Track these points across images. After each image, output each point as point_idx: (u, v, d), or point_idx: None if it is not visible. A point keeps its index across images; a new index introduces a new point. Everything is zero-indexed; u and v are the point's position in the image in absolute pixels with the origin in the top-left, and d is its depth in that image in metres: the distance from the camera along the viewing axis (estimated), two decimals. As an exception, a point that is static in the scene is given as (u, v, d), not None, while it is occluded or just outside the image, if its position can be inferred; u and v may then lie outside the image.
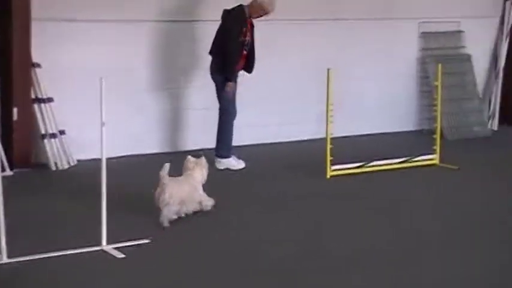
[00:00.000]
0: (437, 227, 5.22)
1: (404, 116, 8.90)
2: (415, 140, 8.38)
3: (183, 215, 5.20)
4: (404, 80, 8.83)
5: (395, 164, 7.01)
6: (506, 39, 9.19)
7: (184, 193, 5.17)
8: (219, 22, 6.75)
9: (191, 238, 4.87)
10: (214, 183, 5.57)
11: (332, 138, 6.47)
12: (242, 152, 7.04)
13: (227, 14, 6.62)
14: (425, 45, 8.93)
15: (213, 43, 6.71)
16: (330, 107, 6.45)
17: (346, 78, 7.73)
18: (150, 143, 7.40)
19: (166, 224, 5.04)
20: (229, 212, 5.43)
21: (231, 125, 6.71)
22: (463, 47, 9.16)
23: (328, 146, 6.43)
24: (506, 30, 9.21)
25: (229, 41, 6.50)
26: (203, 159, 5.50)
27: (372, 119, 8.42)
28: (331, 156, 6.46)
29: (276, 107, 7.74)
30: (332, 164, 6.54)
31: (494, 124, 9.30)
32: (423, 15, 8.71)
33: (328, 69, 6.32)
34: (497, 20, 9.34)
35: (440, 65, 7.23)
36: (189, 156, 5.55)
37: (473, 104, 9.09)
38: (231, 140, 6.68)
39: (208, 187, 5.41)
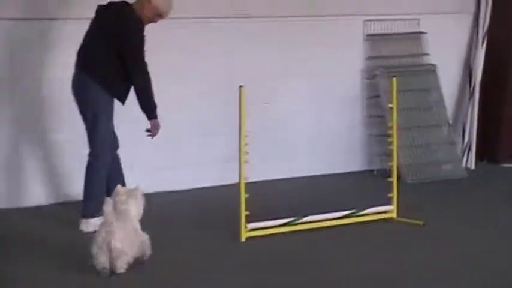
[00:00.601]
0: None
1: (347, 151, 9.31)
2: (364, 185, 8.75)
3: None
4: (346, 101, 9.27)
5: (337, 220, 7.21)
6: (482, 44, 9.66)
7: (132, 235, 6.01)
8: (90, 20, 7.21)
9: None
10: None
11: (248, 184, 6.67)
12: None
13: (115, 17, 7.08)
14: (373, 52, 9.36)
15: (89, 54, 7.14)
16: (244, 141, 6.63)
17: (266, 100, 8.30)
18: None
19: (123, 270, 5.89)
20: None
21: (104, 175, 7.07)
22: (426, 54, 9.61)
23: (243, 196, 6.59)
24: (482, 32, 9.67)
25: (138, 61, 6.99)
26: (138, 190, 6.23)
27: (303, 157, 8.83)
28: (247, 209, 6.64)
29: (167, 144, 8.00)
30: (248, 221, 6.73)
31: (471, 161, 9.69)
32: (370, 10, 9.23)
33: (240, 87, 6.56)
34: (470, 17, 9.85)
35: (395, 80, 7.48)
36: (119, 186, 6.25)
37: (441, 133, 9.47)
38: (103, 193, 6.89)
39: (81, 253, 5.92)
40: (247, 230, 6.77)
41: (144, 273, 6.18)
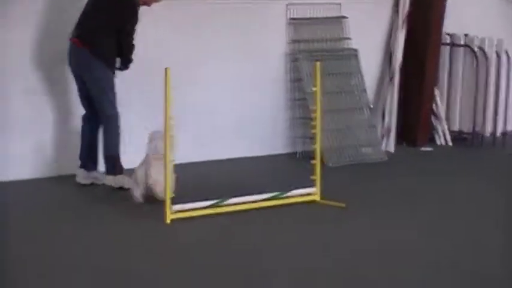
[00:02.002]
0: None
1: (271, 134, 9.54)
2: (287, 168, 9.01)
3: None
4: (269, 85, 9.45)
5: (261, 202, 7.38)
6: (402, 28, 9.95)
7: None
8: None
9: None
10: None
11: (174, 166, 6.91)
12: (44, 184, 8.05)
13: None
14: (296, 36, 9.49)
15: (91, 31, 7.89)
16: (171, 122, 6.80)
17: (190, 83, 8.46)
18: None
19: (162, 195, 7.10)
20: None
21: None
22: (347, 38, 9.81)
23: (169, 177, 6.81)
24: (402, 16, 9.99)
25: (131, 38, 8.00)
26: (173, 136, 7.15)
27: (227, 139, 9.01)
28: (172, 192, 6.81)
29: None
30: (173, 203, 6.86)
31: (390, 144, 9.89)
32: None
33: (166, 69, 6.69)
34: (390, 2, 10.12)
35: (318, 64, 7.62)
36: (154, 131, 7.39)
37: (362, 117, 9.67)
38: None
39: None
40: (172, 211, 6.85)
41: (69, 254, 6.42)
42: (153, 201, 7.30)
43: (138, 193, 7.40)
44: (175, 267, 6.18)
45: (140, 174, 7.41)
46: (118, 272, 6.09)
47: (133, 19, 7.90)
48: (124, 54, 8.04)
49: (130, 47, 8.00)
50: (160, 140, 7.25)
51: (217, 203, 7.15)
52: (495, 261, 6.26)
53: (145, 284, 5.98)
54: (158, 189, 7.23)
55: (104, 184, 8.11)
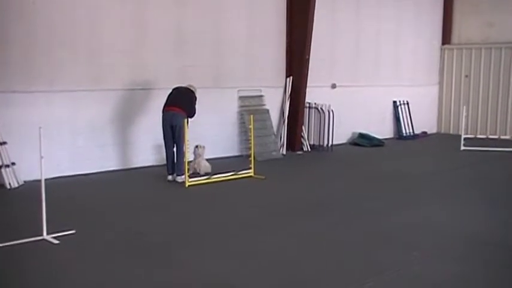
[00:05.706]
0: (268, 208, 6.15)
1: (232, 146, 10.47)
2: (239, 161, 9.60)
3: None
4: (231, 125, 10.76)
5: (230, 176, 7.93)
6: (287, 100, 11.57)
7: (206, 163, 7.72)
8: (179, 89, 7.73)
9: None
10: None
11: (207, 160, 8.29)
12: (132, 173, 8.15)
13: (190, 92, 7.80)
14: (242, 104, 10.76)
15: (179, 103, 7.56)
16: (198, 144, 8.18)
17: (197, 124, 8.68)
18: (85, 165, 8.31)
19: (203, 172, 7.87)
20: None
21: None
22: (264, 104, 11.21)
23: (186, 165, 7.66)
24: (287, 95, 11.47)
25: (194, 107, 7.79)
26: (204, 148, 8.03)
27: (214, 147, 9.64)
28: (188, 171, 7.69)
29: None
30: (189, 177, 7.79)
31: (283, 150, 11.10)
32: (240, 85, 10.74)
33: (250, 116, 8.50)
34: (282, 88, 11.41)
35: (252, 116, 9.05)
36: (198, 146, 7.69)
37: (271, 139, 10.93)
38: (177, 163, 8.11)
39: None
40: (189, 181, 7.50)
41: (130, 206, 6.35)
42: (197, 173, 7.80)
43: (194, 170, 7.67)
44: (187, 201, 6.47)
45: (194, 162, 7.68)
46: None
47: (196, 100, 7.71)
48: (191, 115, 7.58)
49: (193, 111, 7.59)
50: (201, 149, 7.71)
51: (209, 177, 7.94)
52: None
53: (170, 205, 6.16)
54: (203, 170, 7.55)
55: (176, 180, 7.76)
